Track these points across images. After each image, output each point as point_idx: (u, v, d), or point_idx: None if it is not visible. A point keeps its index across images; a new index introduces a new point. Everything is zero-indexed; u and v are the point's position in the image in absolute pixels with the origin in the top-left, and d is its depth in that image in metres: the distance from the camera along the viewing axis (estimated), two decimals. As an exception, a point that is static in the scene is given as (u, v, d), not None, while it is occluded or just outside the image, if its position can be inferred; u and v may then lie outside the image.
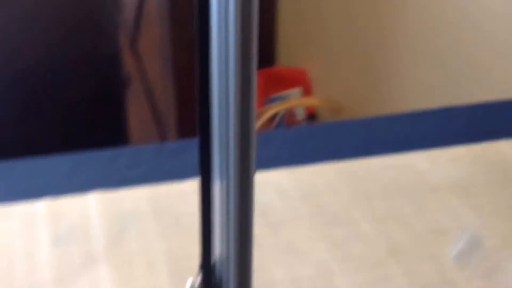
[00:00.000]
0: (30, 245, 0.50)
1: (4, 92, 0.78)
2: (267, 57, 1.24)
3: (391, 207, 0.55)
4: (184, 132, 1.08)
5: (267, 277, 0.48)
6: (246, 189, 0.18)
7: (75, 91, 0.82)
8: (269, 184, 0.58)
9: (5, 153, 0.61)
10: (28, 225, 0.52)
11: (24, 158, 0.60)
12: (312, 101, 1.08)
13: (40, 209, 0.54)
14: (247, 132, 0.17)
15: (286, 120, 1.10)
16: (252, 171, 0.17)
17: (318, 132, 0.67)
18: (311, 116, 1.15)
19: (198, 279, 0.21)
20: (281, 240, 0.51)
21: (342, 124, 0.70)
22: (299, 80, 1.15)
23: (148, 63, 1.12)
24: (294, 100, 1.09)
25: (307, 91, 1.15)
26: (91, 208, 0.54)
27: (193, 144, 0.23)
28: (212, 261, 0.20)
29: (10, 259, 0.48)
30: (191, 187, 0.57)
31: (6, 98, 0.78)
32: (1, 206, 0.54)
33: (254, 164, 0.17)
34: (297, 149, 0.64)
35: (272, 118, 1.08)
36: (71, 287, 0.46)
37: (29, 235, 0.51)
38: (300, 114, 1.12)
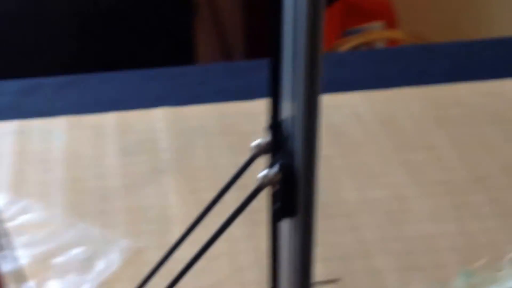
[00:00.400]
0: (100, 155, 0.54)
1: (82, 12, 0.82)
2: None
3: (478, 134, 0.54)
4: (251, 58, 1.09)
5: (337, 197, 0.49)
6: (312, 108, 0.19)
7: (146, 17, 0.84)
8: (345, 106, 0.58)
9: (81, 67, 0.65)
10: (98, 136, 0.56)
11: (96, 73, 0.63)
12: (394, 34, 1.04)
13: (110, 121, 0.57)
14: (315, 55, 0.19)
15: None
16: (318, 91, 0.19)
17: (401, 56, 0.66)
18: (394, 53, 1.12)
19: (266, 139, 0.23)
20: (354, 162, 0.52)
21: (427, 49, 0.68)
22: (381, 12, 1.11)
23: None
24: (374, 33, 1.06)
25: (390, 25, 1.11)
26: (159, 122, 0.57)
27: (261, 65, 0.24)
28: (279, 120, 0.22)
29: (81, 167, 0.52)
30: (258, 107, 0.58)
31: (85, 18, 0.82)
32: (73, 117, 0.57)
33: (320, 85, 0.19)
34: (377, 73, 0.63)
35: (350, 53, 1.06)
36: (138, 195, 0.50)
37: (99, 145, 0.55)
38: (381, 50, 1.09)
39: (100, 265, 0.44)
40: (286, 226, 0.24)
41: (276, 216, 0.24)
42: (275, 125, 0.22)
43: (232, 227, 0.46)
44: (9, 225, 0.47)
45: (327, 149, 0.53)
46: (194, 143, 0.55)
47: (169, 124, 0.57)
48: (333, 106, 0.58)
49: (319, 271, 0.42)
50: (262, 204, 0.23)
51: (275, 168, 0.22)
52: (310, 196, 0.22)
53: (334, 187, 0.49)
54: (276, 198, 0.23)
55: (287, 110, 0.22)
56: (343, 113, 0.57)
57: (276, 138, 0.22)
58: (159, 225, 0.47)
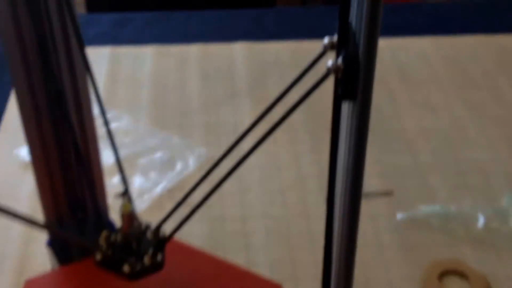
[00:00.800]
0: (182, 79, 0.60)
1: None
2: None
3: (543, 81, 0.56)
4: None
5: (397, 125, 0.53)
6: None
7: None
8: (414, 49, 0.61)
9: (170, 5, 0.71)
10: (181, 64, 0.62)
11: (181, 10, 0.70)
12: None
13: (193, 51, 0.63)
14: (377, 3, 0.23)
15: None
16: (377, 32, 0.24)
17: (470, 7, 0.68)
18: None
19: (334, 37, 0.27)
20: (417, 97, 0.55)
21: (497, 1, 0.69)
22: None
23: None
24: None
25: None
26: (237, 55, 0.63)
27: (334, 10, 0.28)
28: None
29: (165, 89, 0.59)
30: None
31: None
32: (160, 46, 0.64)
33: (379, 28, 0.24)
34: (447, 21, 0.65)
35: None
36: (215, 114, 0.56)
37: (182, 71, 0.61)
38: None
39: (177, 167, 0.51)
40: (346, 110, 0.28)
41: (339, 99, 0.28)
42: (343, 24, 0.26)
43: (299, 142, 0.51)
44: (102, 130, 0.55)
45: (393, 84, 0.57)
46: (268, 74, 0.60)
47: (246, 56, 0.62)
48: (403, 48, 0.61)
49: (375, 184, 0.47)
50: (327, 122, 0.27)
51: (340, 59, 0.26)
52: (368, 83, 0.26)
53: (396, 116, 0.53)
54: (340, 83, 0.27)
55: (354, 11, 0.26)
56: (412, 55, 0.61)
57: (343, 35, 0.26)
58: (232, 138, 0.53)
